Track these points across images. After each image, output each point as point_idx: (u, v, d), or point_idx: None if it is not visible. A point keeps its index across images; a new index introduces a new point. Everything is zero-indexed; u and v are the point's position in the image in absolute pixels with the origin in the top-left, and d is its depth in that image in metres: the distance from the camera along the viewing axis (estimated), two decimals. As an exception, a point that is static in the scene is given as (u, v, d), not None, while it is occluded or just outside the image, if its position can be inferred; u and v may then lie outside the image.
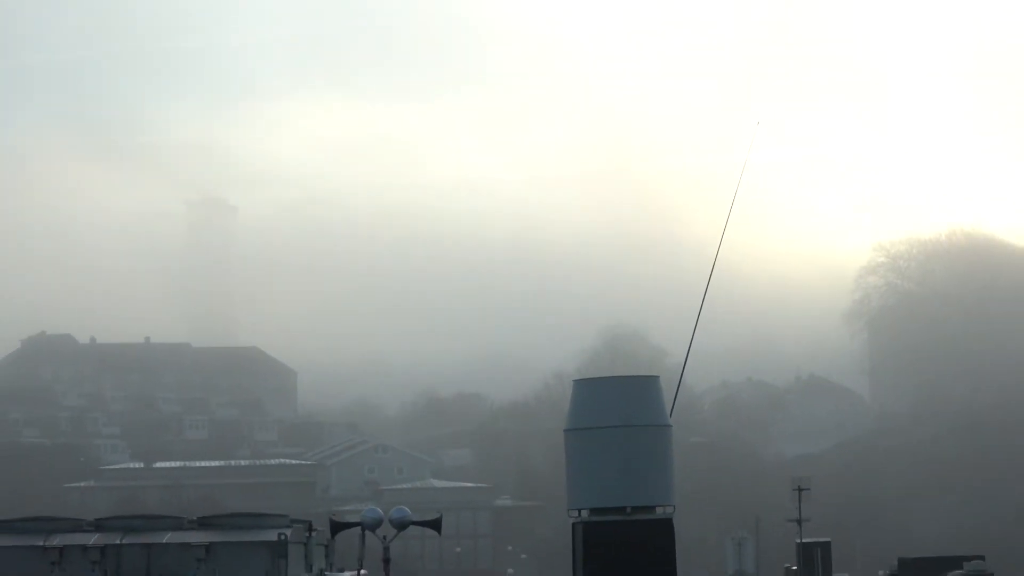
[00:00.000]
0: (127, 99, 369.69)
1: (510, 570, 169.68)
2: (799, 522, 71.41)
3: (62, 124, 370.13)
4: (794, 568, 72.69)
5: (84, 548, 25.64)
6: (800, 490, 72.41)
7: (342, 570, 28.52)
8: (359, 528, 29.63)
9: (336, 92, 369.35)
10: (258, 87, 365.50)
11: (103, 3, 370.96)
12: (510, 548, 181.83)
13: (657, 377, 32.79)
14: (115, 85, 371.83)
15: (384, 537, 29.41)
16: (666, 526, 30.75)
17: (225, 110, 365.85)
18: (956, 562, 72.15)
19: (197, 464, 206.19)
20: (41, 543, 25.82)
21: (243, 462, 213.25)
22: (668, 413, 32.00)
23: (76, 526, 26.85)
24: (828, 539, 74.11)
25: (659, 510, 30.71)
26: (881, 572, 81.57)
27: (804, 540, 71.49)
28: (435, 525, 31.78)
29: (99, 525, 26.94)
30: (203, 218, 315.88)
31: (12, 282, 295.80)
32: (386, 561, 29.22)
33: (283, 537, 25.23)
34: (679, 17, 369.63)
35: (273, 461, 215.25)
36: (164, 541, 25.76)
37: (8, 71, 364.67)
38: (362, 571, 28.92)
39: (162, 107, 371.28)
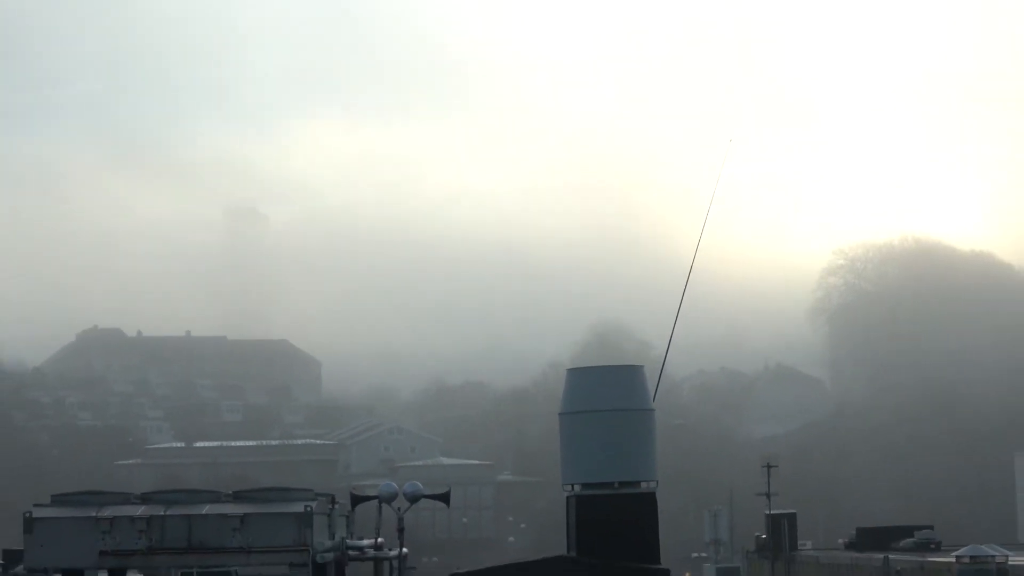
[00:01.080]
0: (166, 123, 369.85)
1: (511, 538, 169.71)
2: (768, 496, 71.35)
3: (111, 145, 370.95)
4: (763, 536, 72.63)
5: (132, 519, 25.58)
6: (768, 467, 72.37)
7: (361, 538, 28.44)
8: (376, 501, 29.60)
9: (347, 115, 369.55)
10: (280, 111, 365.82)
11: (142, 39, 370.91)
12: (510, 519, 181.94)
13: (641, 367, 32.79)
14: (155, 110, 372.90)
15: (399, 509, 29.38)
16: (650, 499, 30.75)
17: (253, 131, 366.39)
18: (908, 531, 72.10)
19: (232, 444, 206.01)
20: (94, 514, 25.76)
21: (273, 442, 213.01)
22: (651, 398, 32.00)
23: (125, 499, 26.76)
24: (794, 511, 74.11)
25: (643, 485, 30.72)
26: (841, 540, 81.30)
27: (772, 512, 71.45)
28: (444, 498, 31.74)
29: (145, 498, 26.85)
30: (237, 226, 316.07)
31: (68, 282, 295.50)
32: (400, 530, 29.19)
33: (309, 509, 25.17)
34: (654, 47, 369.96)
35: (300, 441, 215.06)
36: (203, 512, 25.68)
37: (59, 99, 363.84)
38: (379, 539, 28.87)
39: (197, 129, 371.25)
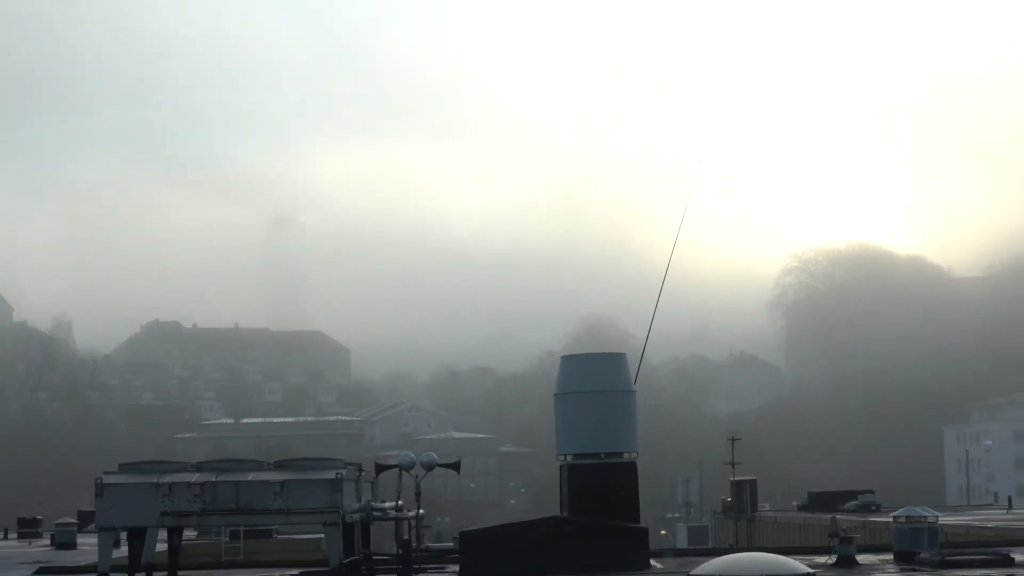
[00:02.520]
0: (213, 146, 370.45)
1: (512, 501, 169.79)
2: (732, 464, 71.19)
3: (167, 165, 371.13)
4: (728, 499, 72.47)
5: (188, 484, 25.56)
6: (732, 440, 72.18)
7: (384, 501, 28.41)
8: (397, 469, 29.62)
9: (363, 138, 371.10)
10: (308, 135, 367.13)
11: (191, 75, 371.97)
12: (512, 484, 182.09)
13: (624, 354, 32.80)
14: (202, 135, 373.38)
15: (416, 476, 29.38)
16: (631, 468, 30.76)
17: (286, 152, 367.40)
18: (852, 495, 71.99)
19: (274, 420, 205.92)
20: (155, 480, 25.73)
21: (309, 418, 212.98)
22: (632, 381, 32.01)
23: (181, 467, 26.74)
24: (754, 478, 73.96)
25: (625, 455, 30.74)
26: (795, 503, 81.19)
27: (736, 478, 71.28)
28: (455, 467, 31.75)
29: (199, 467, 26.82)
30: (275, 232, 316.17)
31: (133, 282, 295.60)
32: (417, 494, 29.20)
33: (339, 476, 25.14)
34: (630, 77, 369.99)
35: (332, 418, 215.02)
36: (248, 479, 25.65)
37: (120, 126, 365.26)
38: (399, 502, 28.86)
39: (240, 152, 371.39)
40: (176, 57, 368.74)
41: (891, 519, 31.51)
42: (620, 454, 30.58)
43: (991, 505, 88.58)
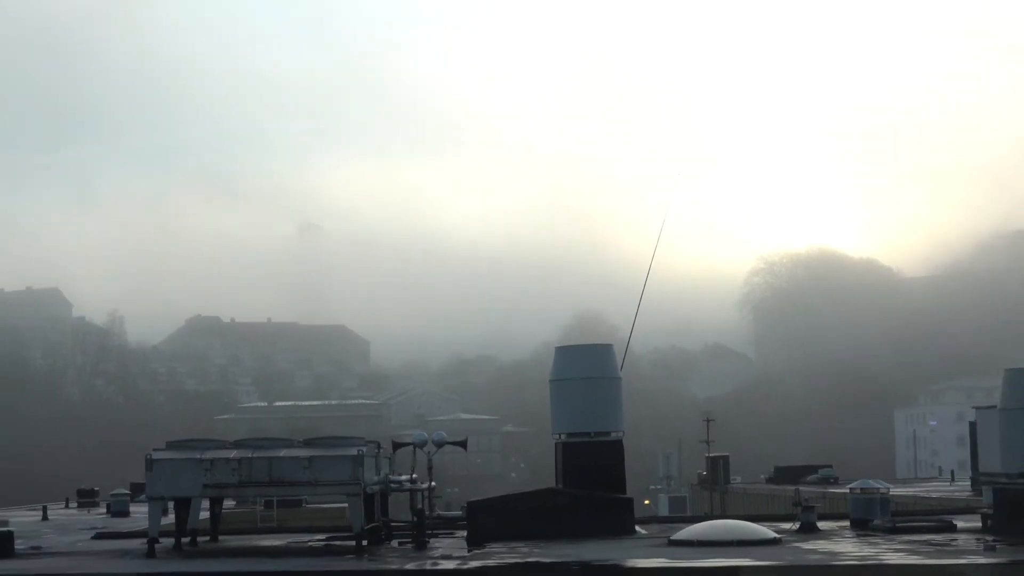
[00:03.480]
0: (247, 162, 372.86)
1: (513, 474, 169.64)
2: (707, 442, 71.19)
3: (208, 179, 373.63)
4: (704, 473, 72.38)
5: (227, 460, 25.55)
6: (707, 421, 72.19)
7: (400, 474, 28.40)
8: (411, 446, 29.63)
9: (378, 156, 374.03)
10: (331, 152, 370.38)
11: (223, 101, 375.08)
12: (513, 460, 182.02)
13: (611, 345, 32.80)
14: (237, 152, 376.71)
15: (428, 452, 29.39)
16: (618, 445, 30.77)
17: (312, 167, 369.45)
18: (813, 469, 72.01)
19: (303, 403, 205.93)
20: (199, 456, 25.73)
21: (334, 402, 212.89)
22: (619, 369, 32.01)
23: (221, 445, 26.74)
24: (727, 454, 73.78)
25: (613, 434, 30.75)
26: (763, 476, 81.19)
27: (711, 454, 71.24)
28: (462, 444, 31.73)
29: (237, 444, 26.81)
30: (304, 237, 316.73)
31: (178, 281, 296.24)
32: (429, 468, 29.20)
33: (360, 452, 25.12)
34: (609, 99, 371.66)
35: (354, 401, 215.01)
36: (281, 455, 25.65)
37: (167, 145, 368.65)
38: (413, 475, 28.84)
39: (274, 167, 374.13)
40: (217, 90, 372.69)
41: (848, 490, 31.51)
42: (608, 433, 30.58)
43: (936, 478, 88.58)
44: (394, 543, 26.86)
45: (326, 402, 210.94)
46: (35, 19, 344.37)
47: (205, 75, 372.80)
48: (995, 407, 26.55)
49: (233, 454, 25.80)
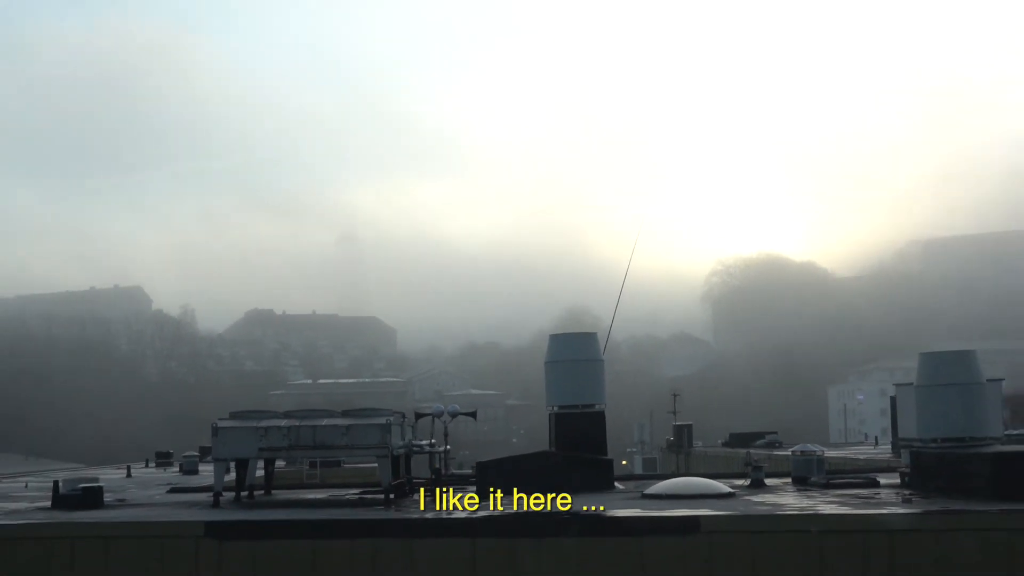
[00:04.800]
0: (297, 181, 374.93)
1: (514, 439, 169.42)
2: (674, 413, 71.34)
3: (260, 194, 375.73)
4: (671, 439, 72.51)
5: (279, 427, 25.58)
6: (674, 395, 72.33)
7: (421, 440, 28.44)
8: (431, 416, 29.70)
9: (402, 176, 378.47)
10: (362, 174, 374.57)
11: (265, 128, 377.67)
12: (514, 427, 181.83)
13: (595, 333, 32.86)
14: (289, 174, 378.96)
15: (444, 421, 29.47)
16: (600, 416, 30.80)
17: (349, 187, 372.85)
18: (761, 435, 72.06)
19: (341, 381, 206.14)
20: (255, 424, 25.75)
21: (366, 379, 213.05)
22: (601, 353, 32.03)
23: (274, 415, 26.75)
24: (690, 423, 73.99)
25: (596, 407, 30.78)
26: (720, 441, 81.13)
27: (677, 423, 71.37)
28: (473, 415, 31.81)
29: (287, 415, 26.82)
30: (342, 244, 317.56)
31: (238, 280, 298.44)
32: (445, 435, 29.28)
33: (388, 421, 25.13)
34: (591, 126, 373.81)
35: (383, 379, 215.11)
36: (323, 424, 25.65)
37: (228, 166, 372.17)
38: (432, 440, 28.89)
39: (317, 187, 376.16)
40: (265, 123, 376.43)
41: (790, 453, 31.52)
42: (592, 406, 30.62)
43: (862, 443, 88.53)
44: (416, 496, 26.91)
45: (360, 380, 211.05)
46: (108, 64, 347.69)
47: (254, 110, 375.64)
48: (911, 384, 26.55)
49: (283, 423, 25.83)
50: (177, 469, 50.86)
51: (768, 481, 28.72)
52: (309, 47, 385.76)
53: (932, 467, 24.40)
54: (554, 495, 24.21)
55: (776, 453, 55.72)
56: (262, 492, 28.49)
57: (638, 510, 21.68)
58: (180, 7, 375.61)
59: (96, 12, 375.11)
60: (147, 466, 58.17)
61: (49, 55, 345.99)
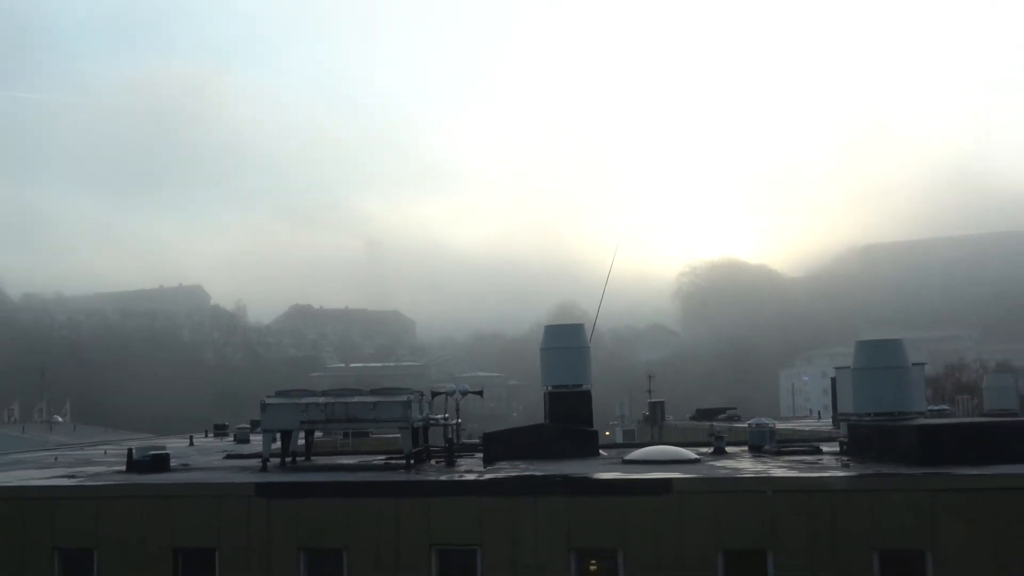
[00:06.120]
0: (332, 196, 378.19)
1: (514, 414, 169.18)
2: (649, 392, 71.22)
3: (303, 208, 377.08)
4: (647, 414, 72.32)
5: (317, 404, 25.52)
6: (650, 377, 72.22)
7: (437, 414, 28.40)
8: (444, 394, 29.63)
9: (415, 193, 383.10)
10: (382, 190, 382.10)
11: (292, 153, 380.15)
12: (514, 404, 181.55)
13: (582, 324, 32.66)
14: (324, 190, 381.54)
15: (456, 398, 29.40)
16: (587, 395, 30.68)
17: (373, 201, 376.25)
18: (723, 411, 71.88)
19: (369, 364, 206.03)
20: (298, 401, 25.72)
21: (391, 363, 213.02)
22: (588, 341, 31.93)
23: (313, 393, 26.69)
24: (663, 400, 73.81)
25: (584, 387, 30.64)
26: (688, 415, 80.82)
27: (651, 400, 71.21)
28: (480, 393, 31.73)
29: (324, 393, 26.77)
30: (369, 249, 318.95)
31: (283, 279, 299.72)
32: (457, 410, 29.20)
33: (409, 399, 25.09)
34: (574, 147, 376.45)
35: (404, 363, 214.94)
36: (354, 400, 25.58)
37: (264, 186, 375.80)
38: (446, 415, 28.84)
39: (349, 201, 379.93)
40: (299, 147, 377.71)
41: (747, 425, 31.45)
42: (580, 386, 30.52)
43: (807, 417, 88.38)
44: (432, 462, 26.87)
45: (385, 364, 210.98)
46: (157, 97, 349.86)
47: (284, 137, 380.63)
48: (848, 367, 26.51)
49: (321, 400, 25.80)
50: (231, 439, 50.84)
51: (729, 449, 28.68)
52: (331, 85, 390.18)
53: (866, 437, 24.36)
54: (548, 461, 24.15)
55: (735, 425, 55.62)
56: (303, 458, 28.45)
57: (619, 473, 21.65)
58: (218, 48, 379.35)
59: (145, 54, 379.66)
60: (206, 436, 58.15)
61: (108, 90, 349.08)
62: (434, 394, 29.72)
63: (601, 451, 29.17)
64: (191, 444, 45.94)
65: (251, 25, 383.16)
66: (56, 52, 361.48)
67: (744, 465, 23.79)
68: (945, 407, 50.20)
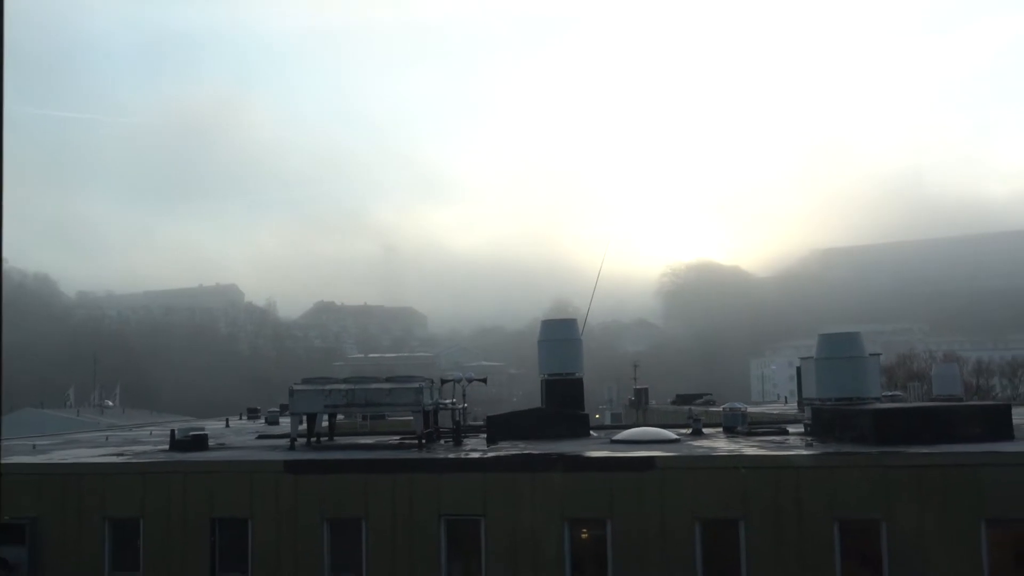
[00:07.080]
0: (353, 207, 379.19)
1: (514, 399, 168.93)
2: (635, 379, 70.99)
3: (326, 216, 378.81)
4: (632, 398, 72.03)
5: (339, 390, 25.45)
6: (635, 366, 72.02)
7: (445, 399, 28.36)
8: (452, 382, 29.59)
9: (424, 204, 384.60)
10: (397, 202, 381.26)
11: (311, 168, 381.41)
12: (514, 390, 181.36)
13: (575, 319, 32.66)
14: (344, 202, 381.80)
15: (463, 385, 29.35)
16: (579, 382, 30.66)
17: (390, 212, 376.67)
18: (700, 396, 71.59)
19: (386, 355, 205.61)
20: (322, 387, 25.67)
21: (405, 354, 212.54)
22: (580, 333, 31.90)
23: (336, 380, 26.65)
24: (647, 386, 73.53)
25: (576, 375, 30.63)
26: (669, 400, 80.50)
27: (637, 387, 71.02)
28: (483, 380, 31.67)
29: (345, 380, 26.72)
30: (386, 254, 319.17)
31: (309, 279, 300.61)
32: (463, 396, 29.15)
33: (421, 385, 25.03)
34: (564, 160, 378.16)
35: (417, 354, 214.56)
36: (372, 387, 25.52)
37: (292, 197, 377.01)
38: (453, 399, 28.79)
39: (367, 211, 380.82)
40: (320, 164, 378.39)
41: (721, 409, 31.41)
42: (573, 374, 30.51)
43: (775, 401, 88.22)
44: (441, 442, 26.83)
45: (400, 354, 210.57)
46: (189, 115, 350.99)
47: (305, 151, 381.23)
48: (812, 357, 26.48)
49: (343, 386, 25.77)
50: (263, 421, 50.77)
51: (705, 430, 28.65)
52: (348, 108, 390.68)
53: (828, 420, 24.34)
54: (545, 441, 24.12)
55: (711, 409, 55.42)
56: (327, 438, 28.43)
57: (608, 452, 21.63)
58: (245, 72, 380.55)
59: (178, 78, 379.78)
60: (240, 419, 58.06)
61: (148, 111, 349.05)
62: (443, 381, 29.68)
63: (592, 432, 29.15)
64: (227, 426, 45.87)
65: (274, 51, 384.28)
66: (98, 76, 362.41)
67: (719, 444, 23.75)
68: (898, 393, 50.18)
